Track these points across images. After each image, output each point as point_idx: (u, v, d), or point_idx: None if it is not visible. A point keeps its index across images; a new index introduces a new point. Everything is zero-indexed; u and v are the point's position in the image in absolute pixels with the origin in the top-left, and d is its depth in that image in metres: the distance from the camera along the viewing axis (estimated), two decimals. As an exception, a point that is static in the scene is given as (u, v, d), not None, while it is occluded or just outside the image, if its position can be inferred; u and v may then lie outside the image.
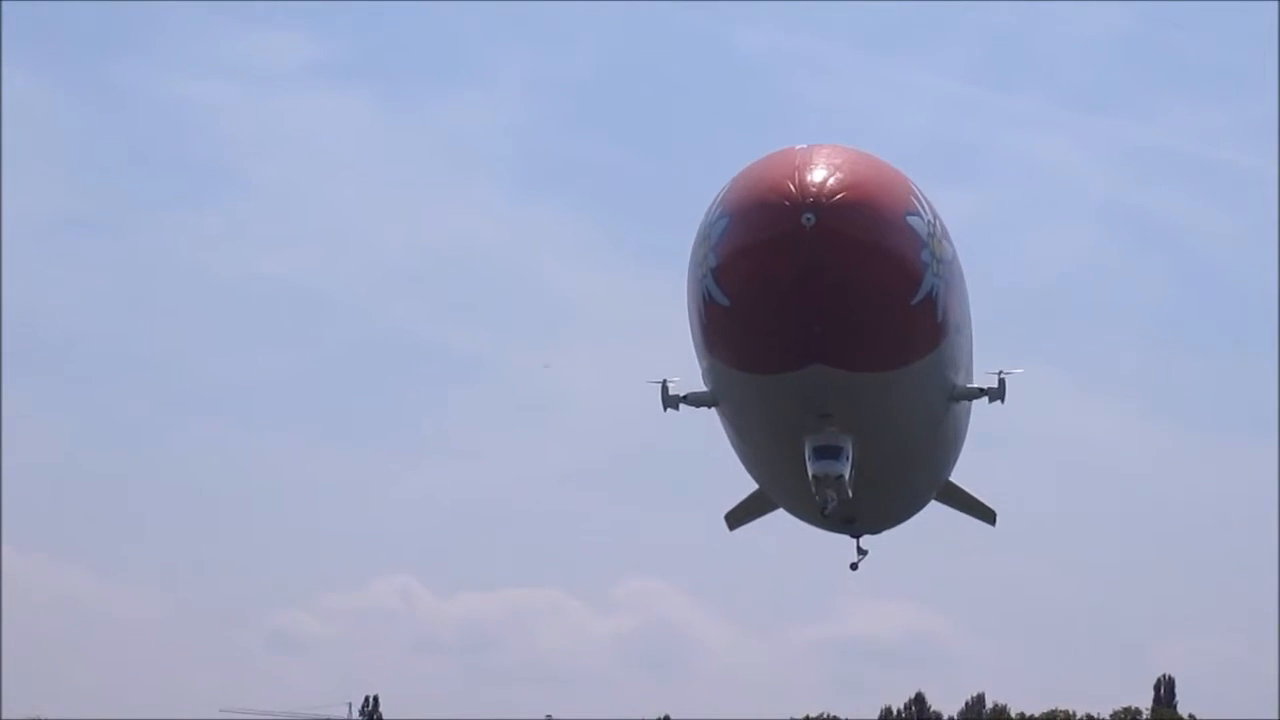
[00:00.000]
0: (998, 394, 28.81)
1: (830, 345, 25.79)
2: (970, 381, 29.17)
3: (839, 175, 25.21)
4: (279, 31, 77.66)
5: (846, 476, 27.39)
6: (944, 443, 30.73)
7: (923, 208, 25.86)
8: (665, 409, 28.94)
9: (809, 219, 24.86)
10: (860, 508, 31.70)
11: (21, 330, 68.23)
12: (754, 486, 35.20)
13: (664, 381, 28.79)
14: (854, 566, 35.68)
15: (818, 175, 25.16)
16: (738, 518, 37.00)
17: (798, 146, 25.98)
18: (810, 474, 27.38)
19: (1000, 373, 28.94)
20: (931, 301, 25.93)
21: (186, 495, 61.26)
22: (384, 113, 78.12)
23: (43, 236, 70.01)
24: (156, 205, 72.78)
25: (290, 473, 63.27)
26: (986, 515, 37.01)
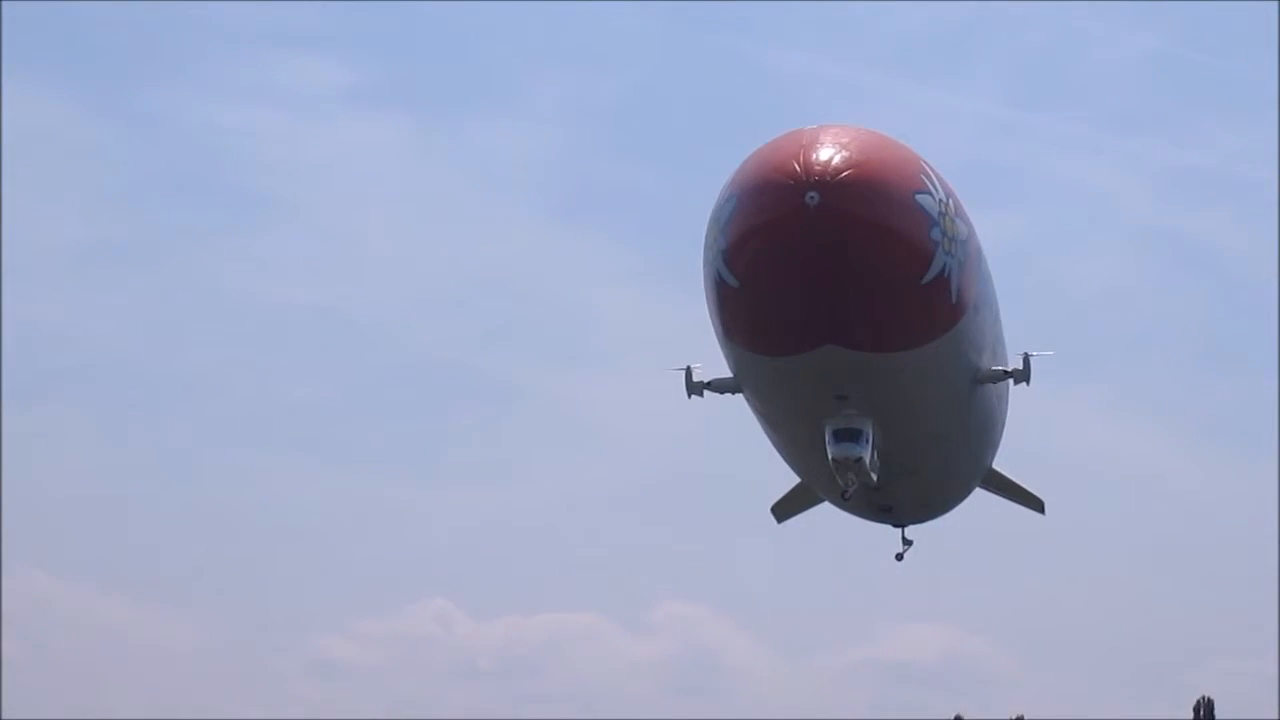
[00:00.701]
0: (1023, 375, 28.60)
1: (841, 326, 25.66)
2: (1002, 364, 29.05)
3: (845, 154, 25.09)
4: (313, 57, 77.67)
5: (867, 460, 27.24)
6: (977, 427, 30.51)
7: (933, 186, 25.66)
8: (690, 395, 28.94)
9: (813, 198, 24.75)
10: (896, 496, 31.60)
11: (53, 358, 68.24)
12: (795, 480, 35.25)
13: (688, 368, 28.82)
14: (899, 557, 35.51)
15: (823, 154, 25.06)
16: (785, 510, 36.95)
17: (807, 127, 25.94)
18: (830, 457, 27.29)
19: (1025, 354, 28.78)
20: (944, 281, 25.74)
21: (222, 522, 61.69)
22: (418, 138, 77.96)
23: (75, 264, 70.39)
24: (189, 232, 73.12)
25: (325, 498, 63.76)
26: (1034, 504, 36.76)
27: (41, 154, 76.73)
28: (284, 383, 72.55)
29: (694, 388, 28.85)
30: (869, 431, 27.19)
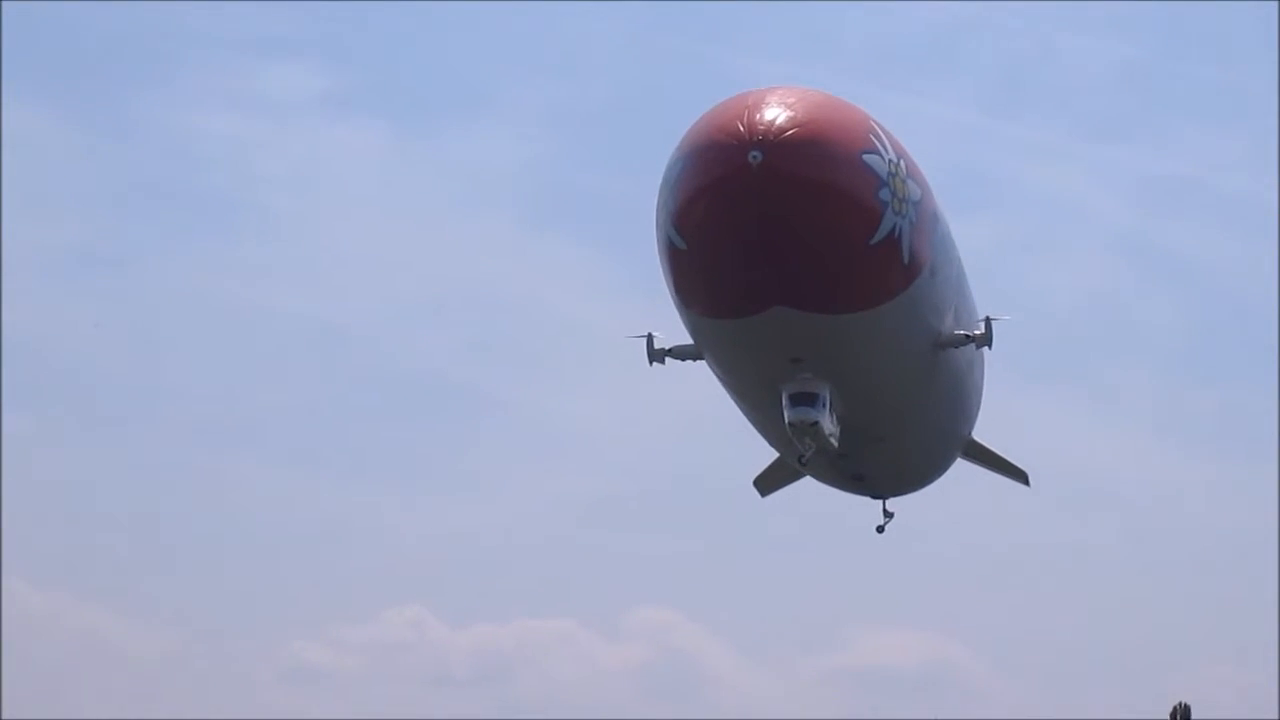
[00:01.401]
0: (985, 340, 28.41)
1: (788, 286, 25.51)
2: (970, 330, 28.90)
3: (790, 114, 24.93)
4: (292, 64, 77.58)
5: (825, 425, 27.08)
6: (945, 394, 30.30)
7: (883, 147, 25.48)
8: (651, 363, 28.85)
9: (755, 157, 24.61)
10: (866, 464, 31.44)
11: (34, 366, 68.28)
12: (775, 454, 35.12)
13: (649, 335, 28.73)
14: (880, 529, 35.39)
15: (768, 114, 24.90)
16: (768, 484, 36.82)
17: (756, 89, 25.80)
18: (786, 421, 27.15)
19: (987, 318, 28.59)
20: (895, 241, 25.54)
21: (198, 529, 61.85)
22: (397, 145, 77.80)
23: (55, 271, 70.52)
24: (170, 239, 73.16)
25: (301, 505, 63.80)
26: (1018, 476, 36.56)
27: (21, 161, 76.93)
28: (262, 390, 72.63)
29: (655, 355, 28.78)
30: (826, 396, 27.03)
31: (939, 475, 34.96)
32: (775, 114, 24.91)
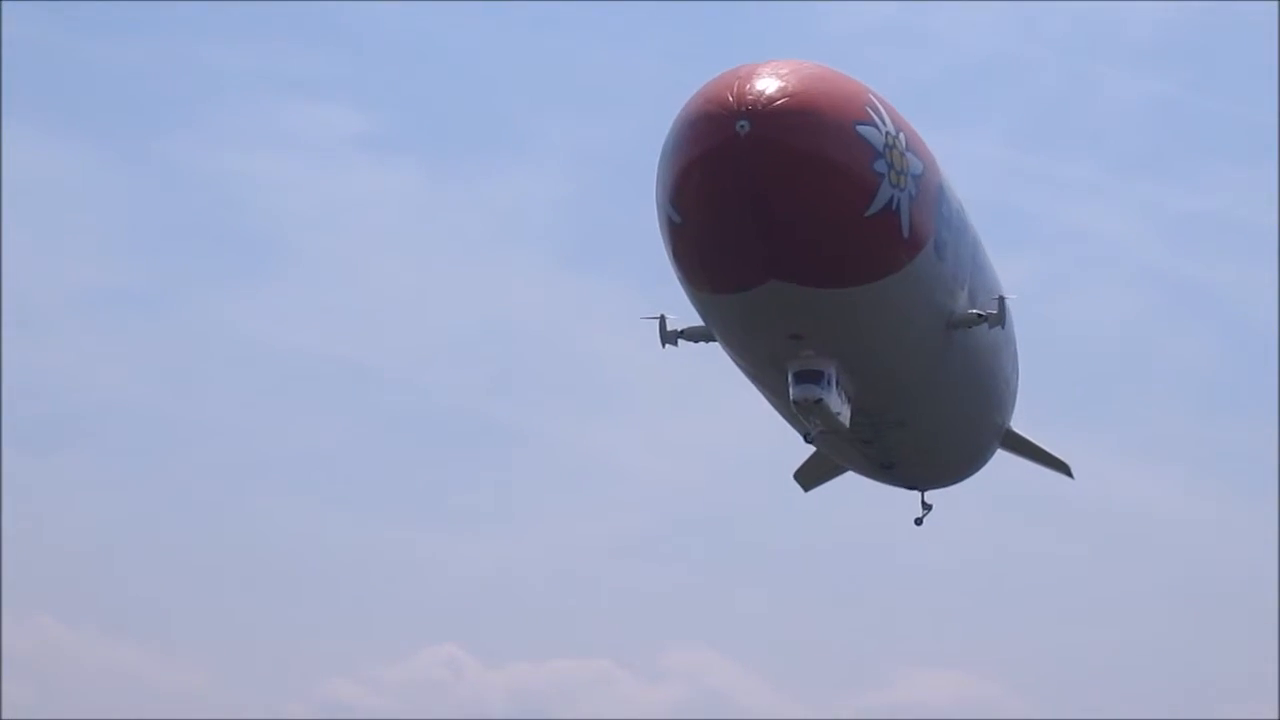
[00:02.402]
0: (997, 320, 28.06)
1: (783, 260, 25.29)
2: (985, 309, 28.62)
3: (780, 84, 24.76)
4: (326, 105, 78.09)
5: (832, 404, 26.81)
6: (970, 378, 29.92)
7: (880, 119, 25.25)
8: (664, 345, 28.78)
9: (743, 126, 24.47)
10: (892, 451, 31.11)
11: (65, 404, 68.91)
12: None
13: (661, 316, 28.65)
14: (919, 522, 35.05)
15: (758, 85, 24.75)
16: (808, 478, 36.57)
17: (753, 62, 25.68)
18: (791, 399, 26.95)
19: (1000, 296, 28.26)
20: (893, 214, 25.28)
21: (232, 567, 62.14)
22: (429, 184, 77.98)
23: (87, 310, 71.13)
24: (203, 279, 73.68)
25: (335, 543, 63.95)
26: (1061, 468, 36.10)
27: (54, 200, 77.89)
28: (294, 429, 73.00)
29: (668, 337, 28.70)
30: (831, 373, 26.77)
31: (977, 467, 34.53)
32: (766, 84, 24.77)
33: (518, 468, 71.69)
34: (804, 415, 27.08)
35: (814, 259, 25.34)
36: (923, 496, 34.88)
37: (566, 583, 67.75)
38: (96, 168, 78.74)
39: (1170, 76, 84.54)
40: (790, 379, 26.83)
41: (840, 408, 27.22)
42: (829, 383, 26.77)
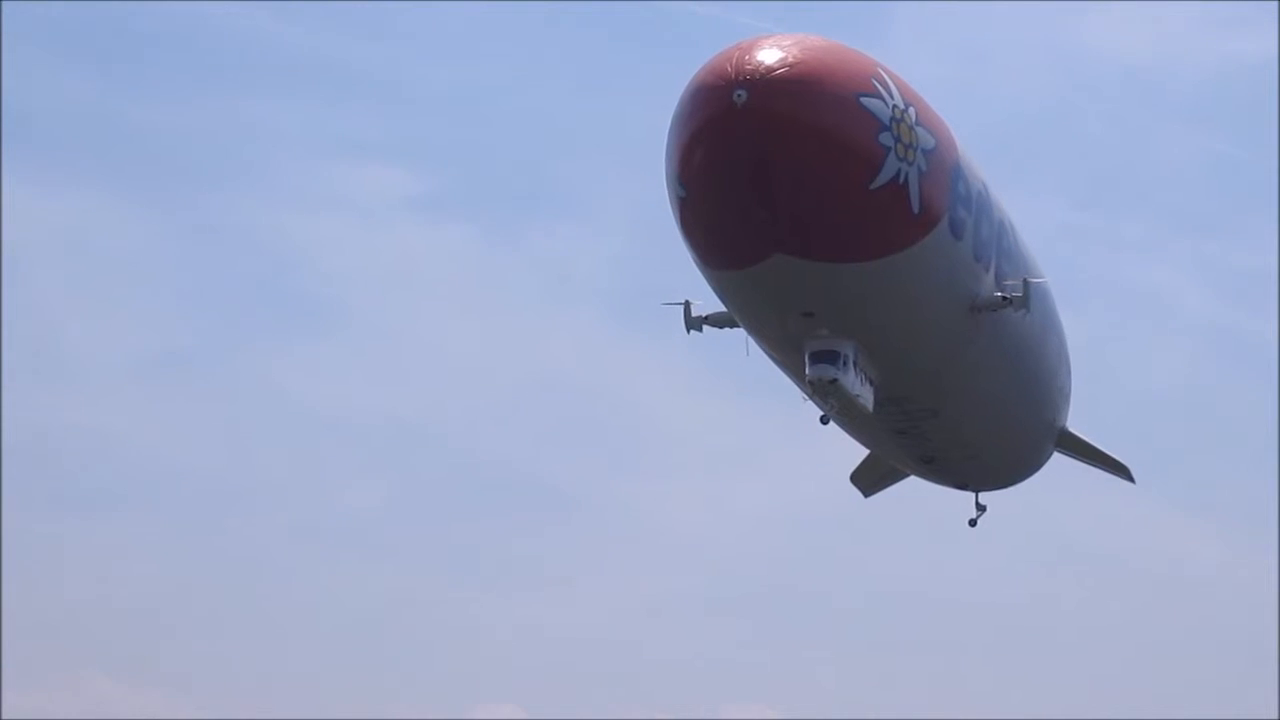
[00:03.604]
0: (1022, 303, 27.59)
1: (788, 233, 25.01)
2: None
3: (780, 55, 24.57)
4: (377, 166, 78.62)
5: (845, 383, 26.46)
6: (1004, 366, 29.36)
7: (887, 92, 24.95)
8: (689, 331, 28.65)
9: (740, 96, 24.28)
10: (930, 443, 30.66)
11: (118, 465, 69.46)
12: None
13: (686, 302, 28.51)
14: (973, 523, 34.64)
15: (759, 55, 24.56)
16: (866, 482, 36.21)
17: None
18: (807, 379, 26.67)
19: (1025, 279, 27.79)
20: (900, 188, 24.94)
21: (283, 626, 62.29)
22: (481, 244, 78.30)
23: (142, 371, 71.82)
24: (255, 339, 74.16)
25: (389, 603, 64.00)
26: (1122, 472, 35.45)
27: (107, 262, 78.83)
28: (347, 488, 73.22)
29: (693, 323, 28.58)
30: (848, 354, 26.43)
31: (1031, 468, 33.97)
32: (767, 55, 24.59)
33: (569, 526, 71.81)
34: (820, 395, 26.76)
35: (818, 231, 25.06)
36: (977, 498, 34.47)
37: (620, 642, 67.57)
38: (149, 229, 79.83)
39: (1222, 133, 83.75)
40: (807, 359, 26.56)
41: (859, 389, 26.84)
42: (845, 363, 26.43)
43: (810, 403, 27.83)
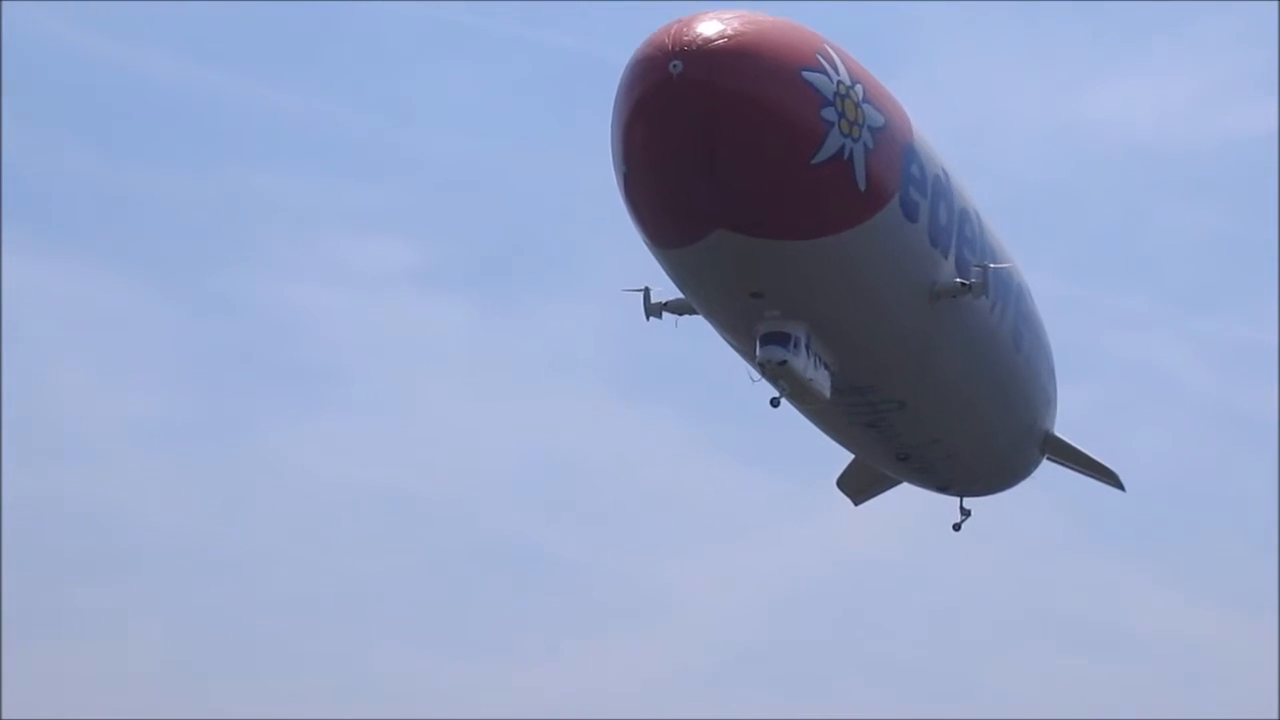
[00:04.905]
0: (981, 289, 27.26)
1: (727, 207, 24.77)
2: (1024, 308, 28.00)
3: (720, 27, 24.39)
4: (380, 239, 79.02)
5: (795, 366, 26.14)
6: (974, 359, 28.98)
7: (832, 67, 24.71)
8: (648, 318, 28.43)
9: (676, 66, 24.06)
10: (901, 437, 30.27)
11: (118, 537, 69.78)
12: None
13: (646, 289, 28.31)
14: (957, 527, 34.23)
15: (698, 27, 24.37)
16: (854, 488, 35.85)
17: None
18: (757, 360, 26.39)
19: (985, 264, 27.46)
20: (844, 164, 24.66)
21: (283, 699, 62.21)
22: (482, 316, 78.35)
23: (142, 442, 72.23)
24: (254, 410, 74.40)
25: (388, 676, 63.75)
26: (1111, 479, 34.99)
27: (107, 332, 79.29)
28: (346, 560, 73.06)
29: (652, 309, 28.38)
30: (799, 336, 26.14)
31: (1014, 472, 33.53)
32: (706, 27, 24.35)
33: (574, 598, 71.54)
34: (771, 379, 26.45)
35: (758, 207, 24.78)
36: (961, 502, 34.07)
37: (628, 715, 67.11)
38: (148, 299, 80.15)
39: (1222, 208, 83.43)
40: (758, 341, 26.31)
41: (812, 374, 26.51)
42: (796, 345, 26.13)
43: (761, 385, 27.48)
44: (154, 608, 69.47)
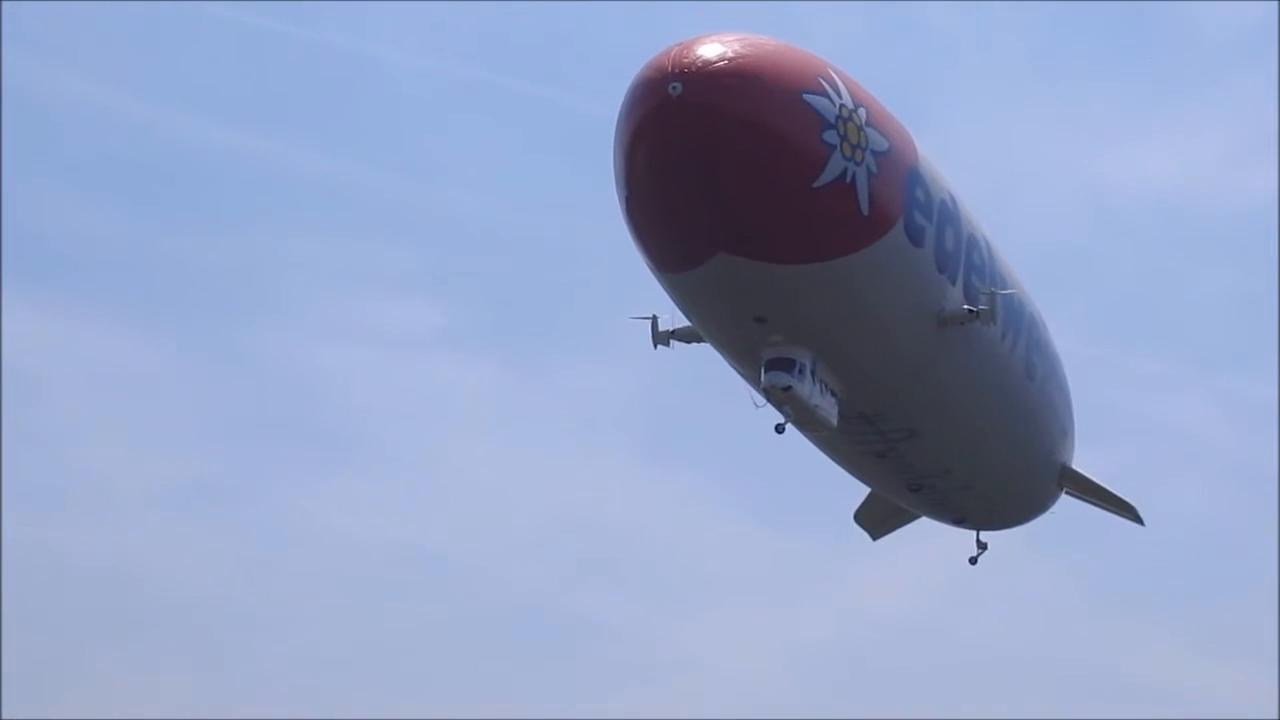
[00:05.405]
0: (990, 316, 27.01)
1: (729, 231, 24.54)
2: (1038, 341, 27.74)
3: (721, 49, 24.21)
4: (408, 300, 79.39)
5: (800, 392, 25.90)
6: (988, 389, 28.71)
7: (834, 91, 24.51)
8: (655, 346, 28.29)
9: (675, 88, 23.89)
10: (914, 468, 30.01)
11: (145, 597, 70.00)
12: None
13: (653, 317, 28.15)
14: (973, 561, 33.94)
15: (699, 49, 24.18)
16: (872, 521, 35.59)
17: None
18: (761, 387, 26.18)
19: (992, 290, 27.23)
20: (846, 188, 24.44)
21: None
22: (510, 379, 78.41)
23: (165, 504, 72.46)
24: (283, 471, 74.69)
25: None
26: (1130, 514, 34.65)
27: (136, 393, 79.53)
28: (374, 621, 73.17)
29: (659, 338, 28.23)
30: (805, 362, 25.92)
31: (1031, 505, 33.23)
32: (707, 50, 24.18)
33: (601, 658, 71.49)
34: (776, 405, 26.23)
35: (759, 230, 24.52)
36: (977, 536, 33.80)
37: None
38: (176, 360, 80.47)
39: (1247, 267, 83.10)
40: (763, 367, 26.11)
41: (818, 400, 26.26)
42: (801, 372, 25.90)
43: (766, 410, 27.29)
44: (181, 667, 69.67)
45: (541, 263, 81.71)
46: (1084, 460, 33.74)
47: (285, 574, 73.36)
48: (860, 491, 34.77)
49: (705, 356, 28.23)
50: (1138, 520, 34.59)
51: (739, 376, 27.88)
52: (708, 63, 24.08)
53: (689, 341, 28.13)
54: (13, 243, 74.58)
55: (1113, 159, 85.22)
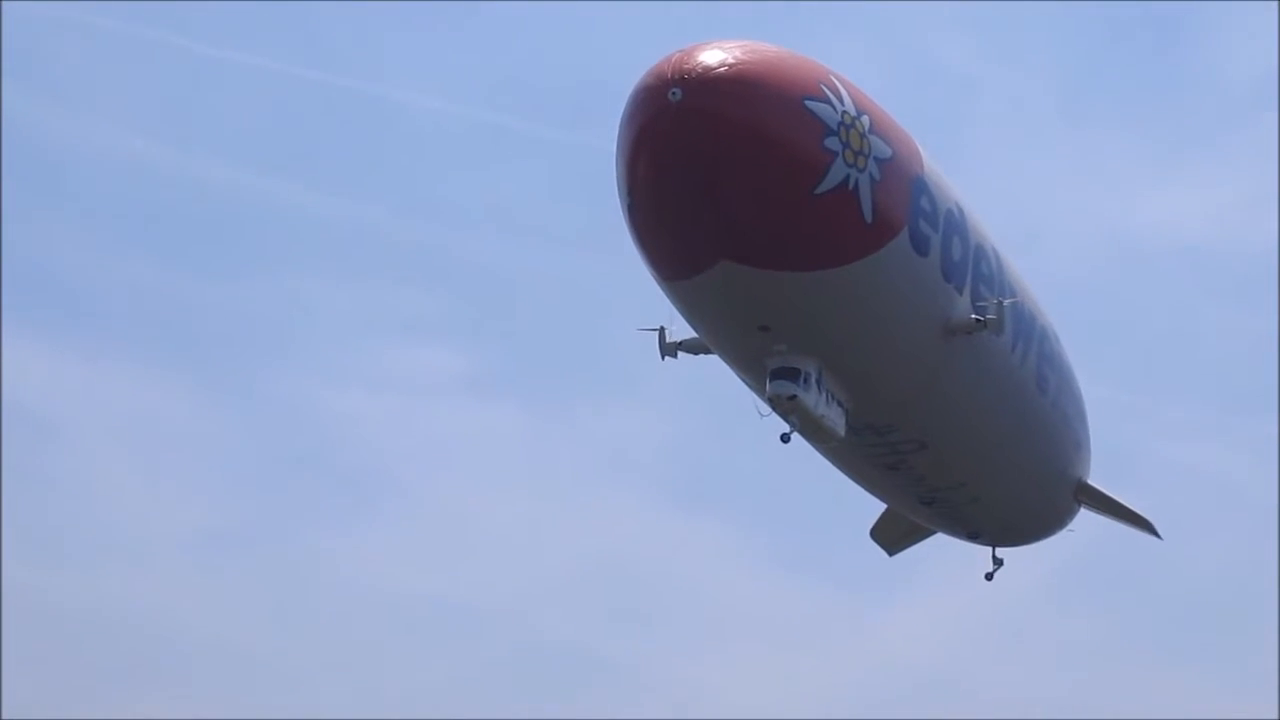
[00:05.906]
0: (997, 326, 26.86)
1: (731, 238, 24.45)
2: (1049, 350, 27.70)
3: (723, 56, 24.19)
4: (428, 348, 79.45)
5: (805, 401, 25.72)
6: (998, 401, 28.54)
7: (836, 98, 24.44)
8: (663, 357, 28.19)
9: (675, 94, 23.87)
10: (927, 481, 29.82)
11: (168, 644, 69.82)
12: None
13: (661, 328, 28.04)
14: (989, 577, 33.70)
15: (701, 56, 24.15)
16: (888, 537, 35.37)
17: None
18: (767, 395, 26.06)
19: (999, 300, 27.09)
20: (849, 195, 24.37)
21: None
22: (532, 424, 78.27)
23: (187, 550, 72.36)
24: (306, 517, 74.63)
25: None
26: (1146, 527, 34.37)
27: (160, 439, 79.58)
28: (400, 668, 73.11)
29: (668, 349, 28.10)
30: (810, 371, 25.77)
31: (1046, 521, 32.96)
32: (709, 56, 24.17)
33: (631, 706, 71.38)
34: (782, 414, 26.10)
35: (761, 237, 24.43)
36: (994, 551, 33.58)
37: None
38: (201, 406, 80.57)
39: (1274, 311, 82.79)
40: (768, 376, 25.98)
41: (824, 410, 26.11)
42: (807, 381, 25.75)
43: (771, 419, 27.15)
44: (202, 712, 69.69)
45: (564, 306, 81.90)
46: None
47: (310, 622, 73.34)
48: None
49: (720, 376, 28.09)
50: (1155, 534, 34.31)
51: (747, 388, 27.81)
52: (708, 69, 24.07)
53: (696, 353, 28.03)
54: (34, 287, 74.97)
55: (1138, 204, 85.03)
